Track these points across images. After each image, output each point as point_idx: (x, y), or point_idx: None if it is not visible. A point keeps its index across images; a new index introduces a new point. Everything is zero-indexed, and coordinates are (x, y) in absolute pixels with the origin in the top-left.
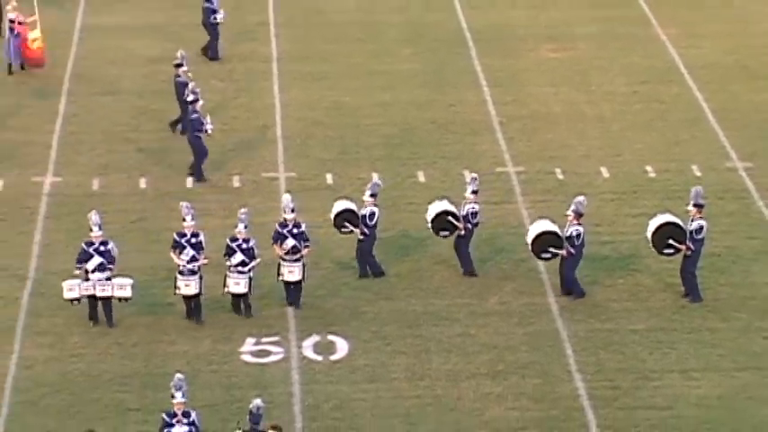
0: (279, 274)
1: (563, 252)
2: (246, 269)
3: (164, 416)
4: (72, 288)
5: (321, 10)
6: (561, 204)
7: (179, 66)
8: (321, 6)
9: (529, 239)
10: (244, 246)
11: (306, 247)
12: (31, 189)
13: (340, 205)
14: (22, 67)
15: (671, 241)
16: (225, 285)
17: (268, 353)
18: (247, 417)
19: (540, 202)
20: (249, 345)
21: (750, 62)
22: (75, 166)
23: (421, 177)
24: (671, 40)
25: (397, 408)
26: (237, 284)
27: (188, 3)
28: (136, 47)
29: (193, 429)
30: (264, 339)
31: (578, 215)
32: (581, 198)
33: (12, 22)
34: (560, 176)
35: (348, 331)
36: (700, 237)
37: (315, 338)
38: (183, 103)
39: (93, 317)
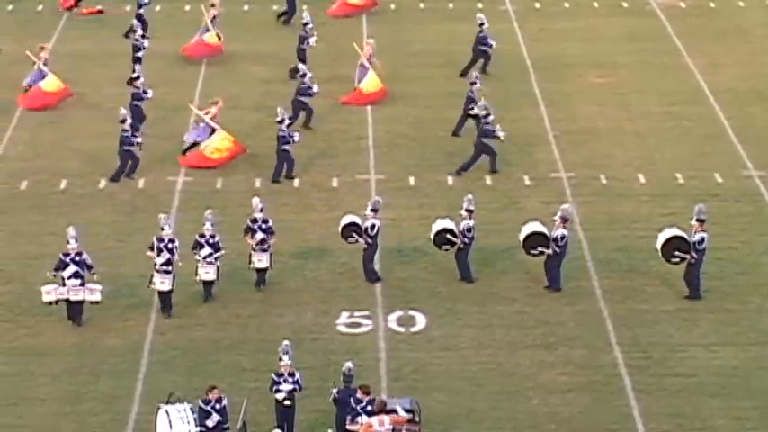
0: (250, 263)
1: (549, 251)
2: (213, 259)
3: (273, 375)
4: (49, 292)
5: (406, 41)
6: (605, 205)
7: (473, 84)
8: (406, 38)
9: (521, 238)
10: (210, 241)
11: (271, 238)
12: (167, 186)
13: (346, 219)
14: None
15: (677, 252)
16: (196, 274)
17: (359, 324)
18: (341, 377)
19: (587, 203)
20: (344, 318)
21: (763, 87)
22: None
23: (488, 181)
24: (698, 68)
25: (466, 372)
26: (207, 273)
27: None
28: (255, 70)
29: (297, 387)
30: (356, 313)
31: (564, 220)
32: (567, 206)
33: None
34: (604, 181)
35: (426, 307)
36: (702, 247)
37: (398, 313)
38: (469, 116)
39: (71, 316)
